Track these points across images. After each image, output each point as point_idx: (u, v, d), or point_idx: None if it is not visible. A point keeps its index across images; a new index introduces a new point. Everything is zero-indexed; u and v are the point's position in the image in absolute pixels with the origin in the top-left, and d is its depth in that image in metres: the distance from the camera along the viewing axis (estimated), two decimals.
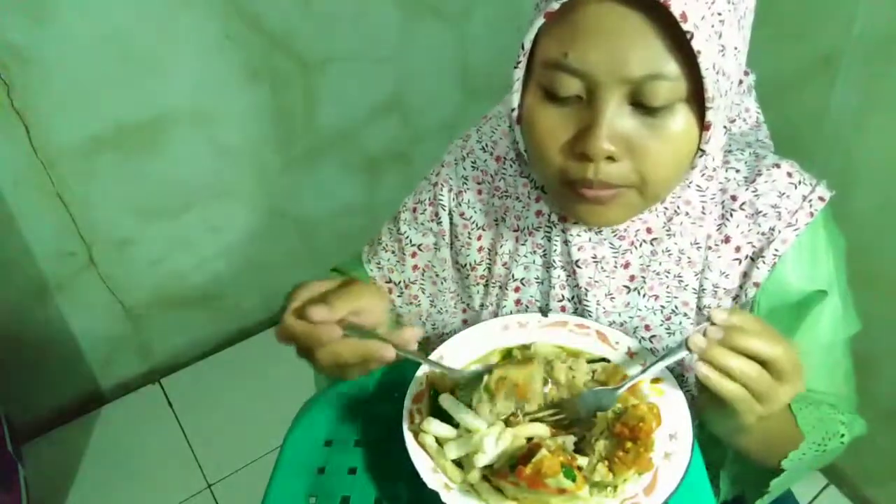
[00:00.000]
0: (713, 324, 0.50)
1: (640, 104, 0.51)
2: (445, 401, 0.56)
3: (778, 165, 0.64)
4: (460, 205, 0.75)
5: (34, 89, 1.35)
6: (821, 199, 0.63)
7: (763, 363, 0.50)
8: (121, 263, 1.66)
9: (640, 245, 0.65)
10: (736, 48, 0.52)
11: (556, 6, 0.50)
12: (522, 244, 0.70)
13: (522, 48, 0.55)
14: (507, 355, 0.63)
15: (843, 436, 0.67)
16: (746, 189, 0.64)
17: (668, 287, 0.66)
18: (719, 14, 0.49)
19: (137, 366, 1.86)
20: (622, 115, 0.52)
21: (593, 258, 0.66)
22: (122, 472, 1.67)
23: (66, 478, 1.67)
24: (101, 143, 1.47)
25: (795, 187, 0.63)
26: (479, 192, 0.75)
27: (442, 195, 0.76)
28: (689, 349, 0.51)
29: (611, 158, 0.53)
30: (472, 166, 0.75)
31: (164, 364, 1.90)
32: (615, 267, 0.66)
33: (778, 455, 0.64)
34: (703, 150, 0.54)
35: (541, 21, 0.52)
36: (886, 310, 1.25)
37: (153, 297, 1.77)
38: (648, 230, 0.65)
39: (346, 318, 0.54)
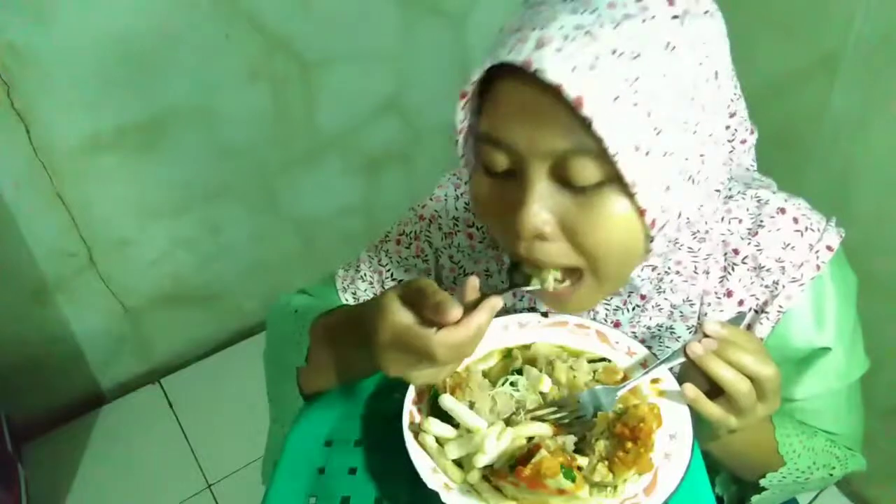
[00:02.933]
0: (706, 335, 0.53)
1: (566, 180, 0.48)
2: (445, 401, 0.56)
3: (783, 210, 0.62)
4: (449, 247, 0.72)
5: (34, 89, 1.35)
6: (828, 248, 0.61)
7: (751, 379, 0.52)
8: (121, 263, 1.66)
9: (633, 309, 0.64)
10: (686, 122, 0.47)
11: (468, 88, 0.50)
12: (520, 300, 0.69)
13: (456, 127, 0.53)
14: (507, 355, 0.63)
15: (833, 468, 0.68)
16: (749, 243, 0.62)
17: (660, 339, 0.65)
18: (647, 91, 0.45)
19: (137, 366, 1.86)
20: (552, 193, 0.49)
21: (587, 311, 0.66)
22: (122, 472, 1.68)
23: (66, 478, 1.67)
24: (101, 143, 1.47)
25: (801, 235, 0.61)
26: (471, 236, 0.71)
27: (430, 232, 0.73)
28: (686, 356, 0.53)
29: (541, 237, 0.50)
30: (465, 208, 0.72)
31: (164, 364, 1.90)
32: (605, 322, 0.65)
33: (750, 471, 0.65)
34: (652, 236, 0.50)
35: (460, 101, 0.51)
36: (886, 310, 1.25)
37: (153, 297, 1.77)
38: (642, 297, 0.63)
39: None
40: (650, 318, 0.64)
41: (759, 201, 0.63)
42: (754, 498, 0.66)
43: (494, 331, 0.64)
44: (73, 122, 1.42)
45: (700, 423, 0.55)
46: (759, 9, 1.31)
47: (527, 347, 0.63)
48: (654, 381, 0.58)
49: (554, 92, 0.44)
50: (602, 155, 0.46)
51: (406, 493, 0.58)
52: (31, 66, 1.32)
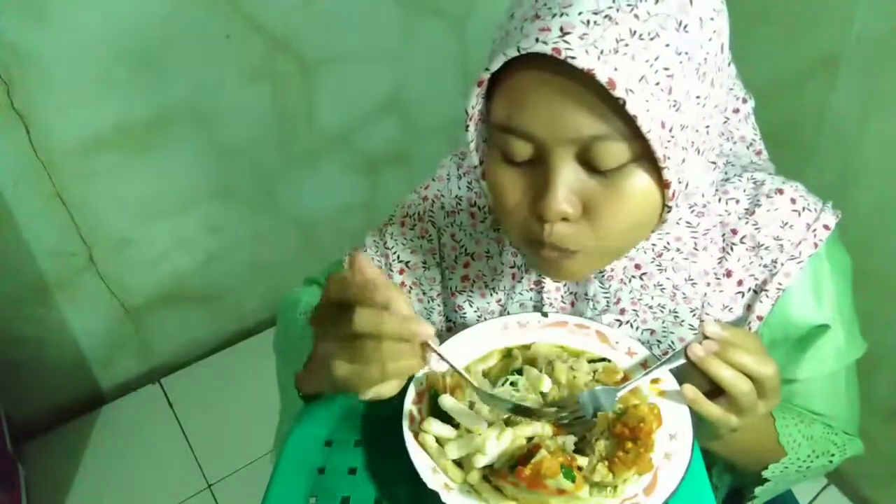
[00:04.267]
0: (706, 336, 0.53)
1: (591, 165, 0.50)
2: (445, 401, 0.56)
3: (781, 191, 0.62)
4: (451, 225, 0.73)
5: (34, 89, 1.35)
6: (825, 227, 0.61)
7: (752, 379, 0.53)
8: (121, 263, 1.66)
9: (630, 281, 0.64)
10: (699, 97, 0.49)
11: (486, 76, 0.50)
12: (519, 281, 0.69)
13: (466, 113, 0.54)
14: (507, 355, 0.63)
15: (833, 455, 0.68)
16: (747, 222, 0.63)
17: (663, 322, 0.65)
18: (666, 69, 0.46)
19: (137, 366, 1.86)
20: (575, 175, 0.50)
21: (585, 295, 0.66)
22: (122, 472, 1.68)
23: (66, 478, 1.67)
24: (101, 143, 1.47)
25: (799, 215, 0.62)
26: (473, 215, 0.72)
27: (433, 212, 0.74)
28: (687, 357, 0.53)
29: (565, 220, 0.51)
30: (468, 186, 0.72)
31: (164, 364, 1.90)
32: (607, 305, 0.66)
33: (753, 463, 0.66)
34: (669, 207, 0.52)
35: (475, 89, 0.51)
36: (886, 310, 1.25)
37: (153, 297, 1.77)
38: (637, 266, 0.63)
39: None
40: (652, 298, 0.64)
41: (755, 183, 0.64)
42: (757, 489, 0.66)
43: (494, 331, 0.65)
44: (73, 122, 1.42)
45: (701, 423, 0.56)
46: (759, 9, 1.31)
47: (527, 347, 0.63)
48: (655, 381, 0.58)
49: (581, 78, 0.45)
50: (628, 136, 0.47)
51: (406, 493, 0.58)
52: (31, 66, 1.32)
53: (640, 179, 0.50)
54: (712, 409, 0.54)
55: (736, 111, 0.66)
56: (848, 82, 1.22)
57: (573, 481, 0.48)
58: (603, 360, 0.61)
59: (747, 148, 0.68)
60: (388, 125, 1.86)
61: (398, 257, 0.76)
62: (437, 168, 0.76)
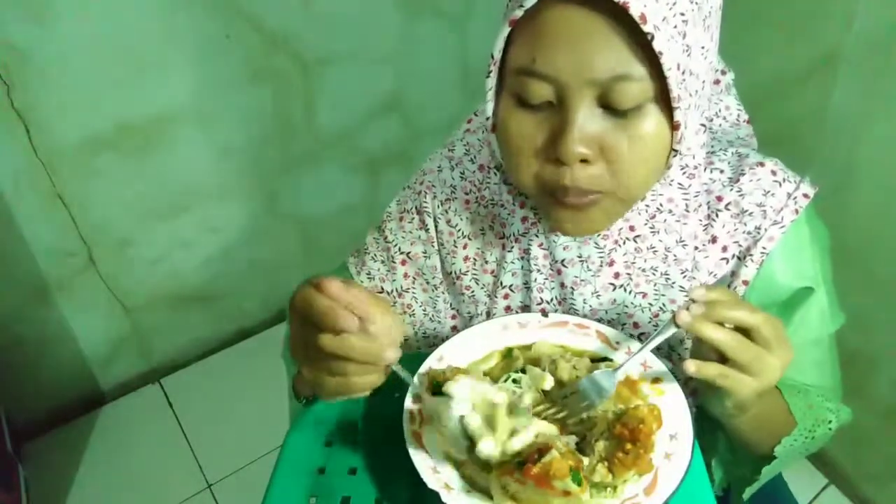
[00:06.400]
0: (694, 301, 0.53)
1: (610, 106, 0.52)
2: (451, 386, 0.56)
3: (762, 164, 0.65)
4: (447, 212, 0.75)
5: (34, 89, 1.35)
6: (805, 196, 0.64)
7: (748, 333, 0.52)
8: (121, 263, 1.66)
9: (624, 243, 0.65)
10: (703, 48, 0.52)
11: (519, 13, 0.51)
12: (509, 251, 0.70)
13: (492, 57, 0.55)
14: (508, 355, 0.63)
15: (830, 422, 0.69)
16: (731, 189, 0.65)
17: (655, 285, 0.67)
18: (682, 14, 0.49)
19: (137, 366, 1.86)
20: (593, 118, 0.52)
21: (579, 257, 0.66)
22: (122, 472, 1.68)
23: (66, 478, 1.67)
24: (101, 143, 1.47)
25: (780, 185, 0.64)
26: (467, 201, 0.74)
27: (426, 202, 0.76)
28: (676, 325, 0.53)
29: (584, 161, 0.53)
30: (461, 176, 0.75)
31: (164, 364, 1.90)
32: (601, 266, 0.66)
33: (771, 439, 0.65)
34: (676, 150, 0.55)
35: (507, 29, 0.53)
36: (886, 310, 1.25)
37: (153, 298, 1.77)
38: (631, 228, 0.65)
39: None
40: (645, 261, 0.66)
41: (739, 156, 0.67)
42: (765, 469, 0.66)
43: (494, 331, 0.65)
44: (73, 122, 1.42)
45: (729, 398, 0.54)
46: (759, 9, 1.31)
47: (527, 348, 0.63)
48: (655, 380, 0.58)
49: (609, 16, 0.48)
50: (649, 76, 0.50)
51: (406, 493, 0.58)
52: (31, 66, 1.32)
53: (653, 119, 0.52)
54: (717, 369, 0.52)
55: (717, 82, 0.68)
56: (848, 81, 1.22)
57: (580, 484, 0.48)
58: (604, 359, 0.62)
59: (737, 119, 0.71)
60: (388, 125, 1.86)
61: (399, 249, 0.78)
62: (425, 162, 0.78)
